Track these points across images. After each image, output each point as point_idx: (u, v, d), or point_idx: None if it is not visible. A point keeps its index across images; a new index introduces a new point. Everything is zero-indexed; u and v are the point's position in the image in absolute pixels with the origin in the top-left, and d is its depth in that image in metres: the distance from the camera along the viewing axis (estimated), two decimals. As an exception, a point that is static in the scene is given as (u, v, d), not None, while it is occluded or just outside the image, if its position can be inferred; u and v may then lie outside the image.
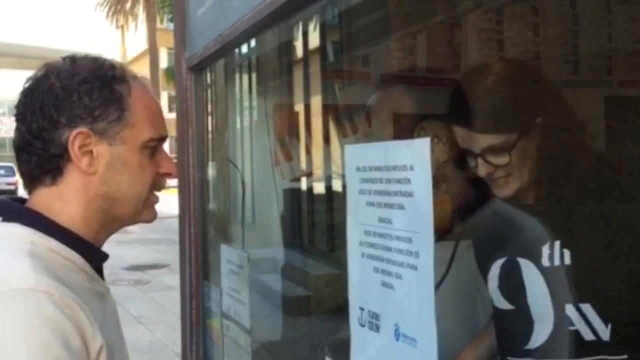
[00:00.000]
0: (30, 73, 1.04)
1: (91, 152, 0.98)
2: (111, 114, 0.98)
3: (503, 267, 1.27)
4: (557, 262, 1.17)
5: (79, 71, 0.99)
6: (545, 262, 1.19)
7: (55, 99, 0.96)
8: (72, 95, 0.97)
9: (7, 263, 0.90)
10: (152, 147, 1.03)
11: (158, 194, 1.07)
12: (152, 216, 1.07)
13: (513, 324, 1.27)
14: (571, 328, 1.16)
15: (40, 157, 0.98)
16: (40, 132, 0.97)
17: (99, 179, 0.99)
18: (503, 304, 1.28)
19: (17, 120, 1.00)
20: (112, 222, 1.04)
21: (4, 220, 0.99)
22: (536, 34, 2.37)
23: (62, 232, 0.97)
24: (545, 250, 1.18)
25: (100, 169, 0.99)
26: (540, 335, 1.20)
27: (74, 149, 0.97)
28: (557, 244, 1.17)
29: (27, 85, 1.00)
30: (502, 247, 1.29)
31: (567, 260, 1.16)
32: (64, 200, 0.99)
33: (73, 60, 1.02)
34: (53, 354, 0.84)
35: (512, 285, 1.25)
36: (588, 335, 1.15)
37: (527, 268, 1.21)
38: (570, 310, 1.16)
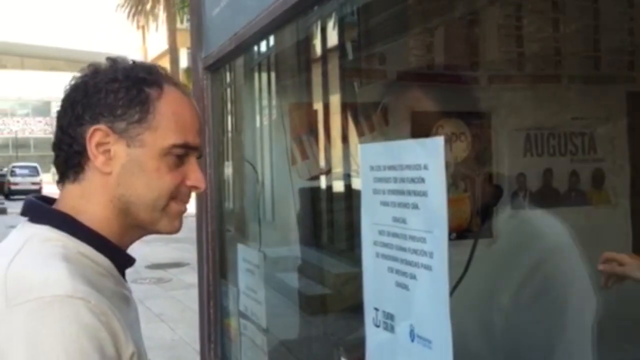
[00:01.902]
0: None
1: (109, 151, 0.97)
2: (133, 114, 0.97)
3: None
4: None
5: (114, 71, 0.99)
6: None
7: (84, 96, 0.97)
8: (100, 93, 0.97)
9: (42, 268, 0.90)
10: (179, 156, 0.99)
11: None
12: (173, 227, 1.02)
13: None
14: None
15: (66, 152, 0.99)
16: (67, 128, 0.98)
17: (115, 180, 0.98)
18: None
19: (56, 118, 1.02)
20: (134, 227, 1.02)
21: (32, 220, 0.99)
22: (556, 30, 2.33)
23: (91, 235, 0.97)
24: None
25: (116, 169, 0.98)
26: None
27: (90, 146, 0.97)
28: None
29: (72, 82, 1.02)
30: None
31: None
32: (86, 199, 0.99)
33: (114, 61, 1.02)
34: None
35: None
36: None
37: None
38: None
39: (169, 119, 0.99)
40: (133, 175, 0.98)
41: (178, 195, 1.01)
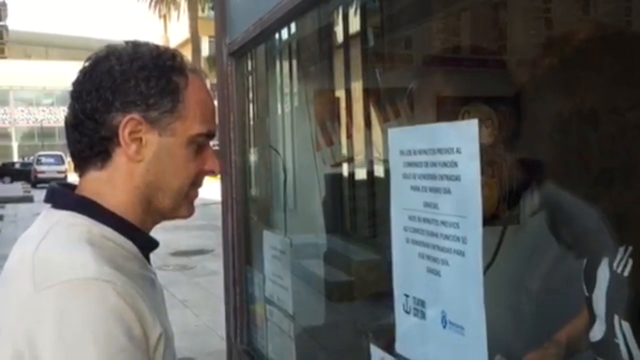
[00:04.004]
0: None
1: (140, 139, 0.98)
2: (165, 104, 0.98)
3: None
4: (620, 269, 1.11)
5: (140, 57, 0.99)
6: (615, 264, 1.13)
7: (112, 82, 0.96)
8: (130, 81, 0.97)
9: (68, 252, 0.91)
10: (199, 143, 1.02)
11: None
12: (189, 212, 1.06)
13: (588, 310, 1.22)
14: (615, 340, 1.11)
15: (91, 138, 0.98)
16: (93, 113, 0.97)
17: (145, 168, 0.99)
18: (584, 288, 1.23)
19: (72, 98, 1.00)
20: (154, 213, 1.03)
21: (56, 207, 1.00)
22: (586, 12, 2.28)
23: (114, 220, 0.98)
24: (621, 252, 1.12)
25: (147, 157, 0.99)
26: (598, 331, 1.16)
27: (124, 134, 0.97)
28: (630, 249, 1.10)
29: (86, 64, 1.01)
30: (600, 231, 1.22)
31: (627, 272, 1.10)
32: (112, 185, 0.99)
33: (135, 45, 1.02)
34: (118, 343, 0.85)
35: (590, 273, 1.20)
36: (624, 354, 1.09)
37: (603, 264, 1.16)
38: (616, 322, 1.11)
39: (196, 108, 1.00)
40: (163, 163, 0.99)
41: (196, 182, 1.04)
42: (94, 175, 1.00)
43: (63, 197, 1.02)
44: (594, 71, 1.14)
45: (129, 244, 0.99)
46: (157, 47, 1.03)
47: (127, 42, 1.03)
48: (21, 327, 0.86)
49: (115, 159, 0.99)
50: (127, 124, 0.97)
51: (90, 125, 0.98)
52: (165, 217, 1.05)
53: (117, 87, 0.97)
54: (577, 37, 1.14)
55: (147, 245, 1.04)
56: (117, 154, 0.99)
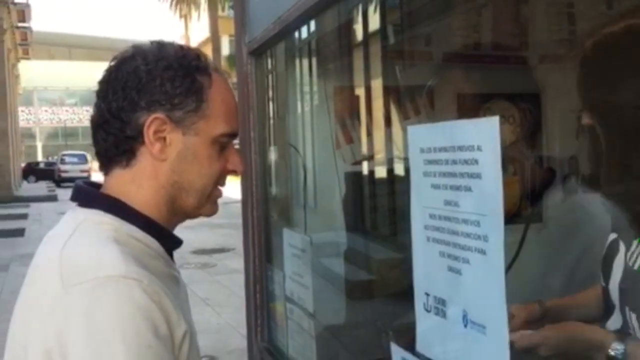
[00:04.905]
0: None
1: (164, 138, 0.98)
2: (189, 103, 0.98)
3: (611, 243, 1.21)
4: (632, 261, 1.10)
5: (165, 57, 0.99)
6: (628, 256, 1.12)
7: (138, 82, 0.97)
8: (155, 80, 0.97)
9: (95, 250, 0.91)
10: (223, 142, 1.02)
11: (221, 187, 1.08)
12: (213, 211, 1.07)
13: (604, 299, 1.22)
14: (630, 331, 1.10)
15: (117, 137, 0.99)
16: (118, 112, 0.98)
17: (169, 167, 0.99)
18: (601, 277, 1.23)
19: (98, 97, 1.01)
20: (178, 213, 1.04)
21: (82, 205, 1.01)
22: (610, 7, 2.24)
23: (140, 219, 0.99)
24: (635, 244, 1.11)
25: (171, 156, 0.99)
26: (615, 321, 1.15)
27: (148, 133, 0.97)
28: None
29: (112, 63, 1.01)
30: (619, 223, 1.22)
31: (637, 265, 1.09)
32: (137, 184, 1.00)
33: (161, 45, 1.02)
34: (145, 341, 0.85)
35: (607, 264, 1.19)
36: None
37: (620, 254, 1.15)
38: (627, 312, 1.10)
39: (219, 107, 1.01)
40: (187, 162, 1.00)
41: (220, 181, 1.04)
42: (119, 174, 1.01)
43: (89, 195, 1.03)
44: (620, 67, 1.12)
45: (154, 243, 0.99)
46: (181, 47, 1.04)
47: (152, 42, 1.03)
48: (50, 325, 0.87)
49: (140, 158, 0.99)
50: (151, 123, 0.97)
51: (116, 124, 0.98)
52: (189, 216, 1.06)
53: (143, 86, 0.97)
54: (604, 33, 1.12)
55: (171, 244, 1.04)
56: (141, 153, 0.99)
